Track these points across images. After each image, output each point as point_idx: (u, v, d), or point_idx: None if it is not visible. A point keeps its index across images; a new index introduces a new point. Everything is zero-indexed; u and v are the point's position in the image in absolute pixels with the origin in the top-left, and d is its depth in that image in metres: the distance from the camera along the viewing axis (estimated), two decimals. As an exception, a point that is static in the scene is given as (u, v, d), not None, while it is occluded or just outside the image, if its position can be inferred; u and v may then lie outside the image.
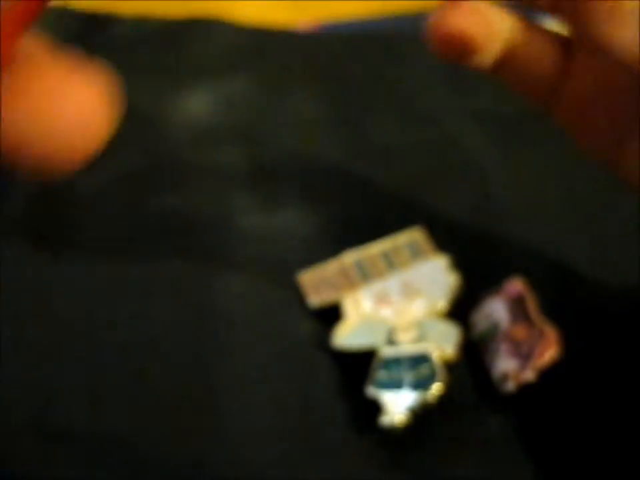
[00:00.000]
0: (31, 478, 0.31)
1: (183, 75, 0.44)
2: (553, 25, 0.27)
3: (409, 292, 0.35)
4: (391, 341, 0.33)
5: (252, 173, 0.40)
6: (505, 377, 0.32)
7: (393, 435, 0.31)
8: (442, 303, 0.34)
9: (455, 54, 0.25)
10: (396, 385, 0.32)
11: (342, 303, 0.35)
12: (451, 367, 0.32)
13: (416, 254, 0.36)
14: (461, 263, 0.35)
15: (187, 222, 0.39)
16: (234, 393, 0.33)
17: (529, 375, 0.31)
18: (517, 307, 0.33)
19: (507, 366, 0.32)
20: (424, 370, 0.32)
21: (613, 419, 0.31)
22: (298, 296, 0.35)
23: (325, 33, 0.47)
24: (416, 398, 0.31)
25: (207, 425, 0.32)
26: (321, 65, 0.45)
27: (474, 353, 0.33)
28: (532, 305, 0.33)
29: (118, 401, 0.33)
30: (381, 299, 0.35)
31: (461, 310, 0.34)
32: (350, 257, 0.36)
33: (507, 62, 0.27)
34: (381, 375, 0.32)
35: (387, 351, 0.33)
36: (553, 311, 0.33)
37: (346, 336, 0.34)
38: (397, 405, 0.31)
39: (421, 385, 0.32)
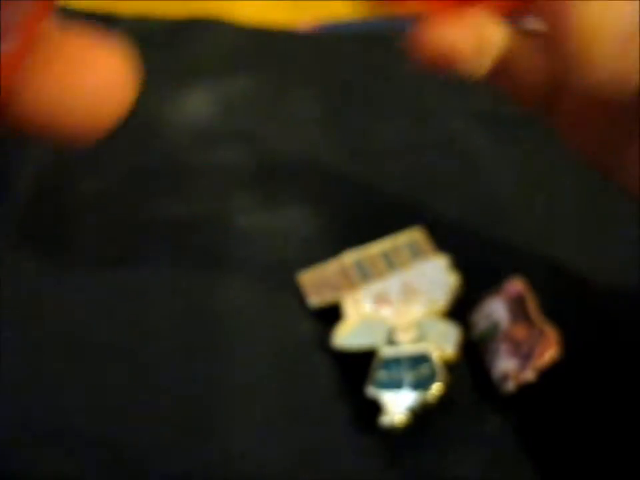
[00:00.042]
0: (30, 478, 0.31)
1: (183, 75, 0.44)
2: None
3: (409, 292, 0.35)
4: (390, 341, 0.33)
5: (252, 172, 0.40)
6: (505, 377, 0.32)
7: (393, 435, 0.31)
8: (442, 303, 0.34)
9: (442, 67, 0.25)
10: (396, 385, 0.32)
11: (342, 303, 0.35)
12: (451, 367, 0.32)
13: (416, 254, 0.36)
14: (460, 263, 0.35)
15: (186, 222, 0.39)
16: (233, 393, 0.33)
17: (529, 375, 0.31)
18: (517, 307, 0.33)
19: (507, 366, 0.32)
20: (424, 370, 0.32)
21: (613, 419, 0.31)
22: (298, 296, 0.35)
23: (324, 33, 0.47)
24: (416, 398, 0.31)
25: (207, 424, 0.32)
26: (320, 64, 0.45)
27: (474, 353, 0.33)
28: (532, 305, 0.33)
29: (118, 401, 0.33)
30: (381, 298, 0.35)
31: (460, 310, 0.34)
32: (350, 257, 0.36)
33: (501, 71, 0.26)
34: (381, 375, 0.32)
35: (387, 351, 0.33)
36: (553, 311, 0.33)
37: (346, 336, 0.34)
38: (397, 404, 0.31)
39: (420, 385, 0.32)
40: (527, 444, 0.31)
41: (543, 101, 0.27)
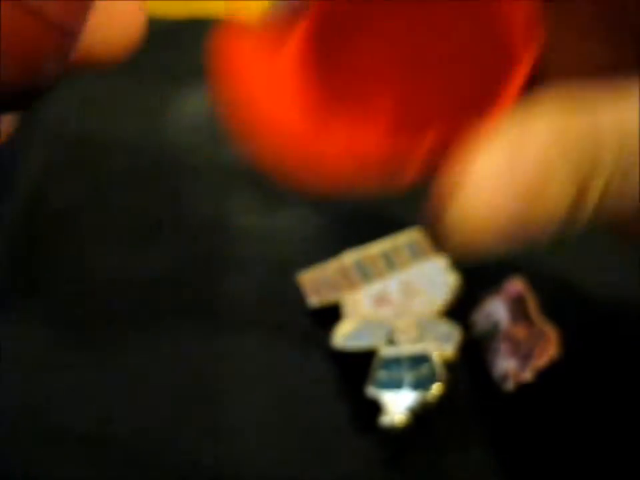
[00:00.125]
0: (30, 478, 0.31)
1: (183, 75, 0.44)
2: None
3: (409, 292, 0.35)
4: (390, 341, 0.33)
5: (252, 172, 0.40)
6: (505, 377, 0.32)
7: (393, 435, 0.31)
8: (442, 303, 0.34)
9: None
10: (396, 385, 0.32)
11: (342, 303, 0.35)
12: (451, 367, 0.32)
13: (416, 254, 0.36)
14: (460, 263, 0.35)
15: (186, 221, 0.39)
16: (233, 393, 0.33)
17: (529, 375, 0.31)
18: (517, 307, 0.33)
19: (506, 366, 0.32)
20: (424, 370, 0.32)
21: (613, 419, 0.31)
22: (298, 296, 0.35)
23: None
24: (416, 398, 0.31)
25: (207, 425, 0.32)
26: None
27: (474, 353, 0.33)
28: (532, 305, 0.33)
29: (118, 401, 0.33)
30: (381, 298, 0.35)
31: (460, 310, 0.34)
32: (350, 257, 0.36)
33: None
34: (381, 374, 0.32)
35: (386, 351, 0.33)
36: (553, 311, 0.33)
37: (346, 336, 0.34)
38: (397, 404, 0.31)
39: (420, 384, 0.32)
40: (527, 444, 0.31)
41: None
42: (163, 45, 0.45)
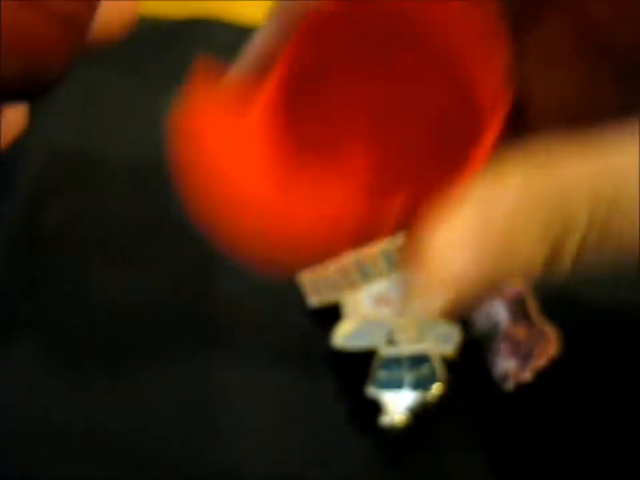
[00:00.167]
0: (30, 478, 0.31)
1: (183, 75, 0.44)
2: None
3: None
4: (390, 341, 0.33)
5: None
6: (505, 377, 0.32)
7: (393, 435, 0.31)
8: (442, 303, 0.34)
9: None
10: (396, 385, 0.32)
11: (342, 303, 0.35)
12: (451, 367, 0.32)
13: (416, 254, 0.36)
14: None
15: (186, 221, 0.39)
16: (234, 392, 0.33)
17: (529, 375, 0.31)
18: (517, 307, 0.33)
19: (506, 366, 0.32)
20: (424, 370, 0.32)
21: (612, 419, 0.31)
22: (298, 296, 0.35)
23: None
24: (416, 398, 0.31)
25: (207, 424, 0.32)
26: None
27: (474, 353, 0.33)
28: (532, 305, 0.33)
29: (118, 400, 0.33)
30: (381, 299, 0.35)
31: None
32: (350, 257, 0.36)
33: None
34: (381, 374, 0.32)
35: (386, 351, 0.33)
36: (553, 311, 0.33)
37: (346, 336, 0.34)
38: (397, 404, 0.31)
39: (420, 384, 0.32)
40: (526, 443, 0.31)
41: None
42: (163, 45, 0.45)
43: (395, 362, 0.32)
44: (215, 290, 0.36)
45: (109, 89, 0.43)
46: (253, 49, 0.22)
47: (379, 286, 0.35)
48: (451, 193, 0.19)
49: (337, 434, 0.32)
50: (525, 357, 0.32)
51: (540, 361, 0.31)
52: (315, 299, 0.35)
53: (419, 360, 0.32)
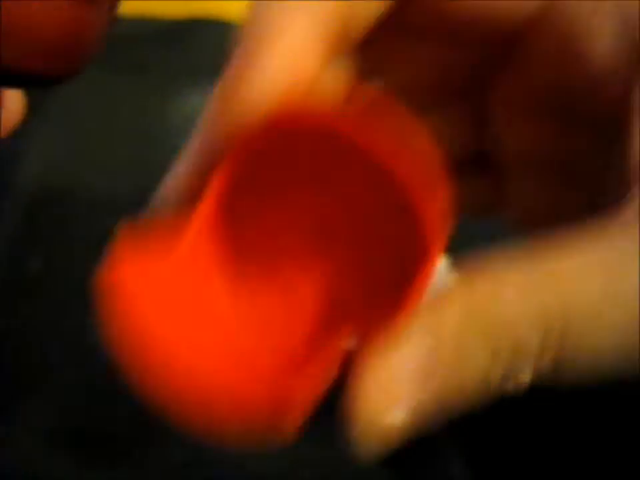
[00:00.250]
0: (30, 478, 0.31)
1: (183, 74, 0.44)
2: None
3: (409, 292, 0.35)
4: (390, 341, 0.33)
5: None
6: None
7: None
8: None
9: None
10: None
11: (342, 302, 0.35)
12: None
13: (416, 254, 0.36)
14: (461, 263, 0.35)
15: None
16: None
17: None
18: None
19: (506, 366, 0.32)
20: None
21: (612, 419, 0.31)
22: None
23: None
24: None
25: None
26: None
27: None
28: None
29: (118, 400, 0.33)
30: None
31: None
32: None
33: None
34: (381, 374, 0.32)
35: (386, 351, 0.33)
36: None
37: (346, 336, 0.34)
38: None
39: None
40: (526, 443, 0.31)
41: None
42: (163, 45, 0.45)
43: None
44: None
45: (109, 89, 0.43)
46: (175, 183, 0.20)
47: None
48: (392, 324, 0.18)
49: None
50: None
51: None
52: (314, 299, 0.35)
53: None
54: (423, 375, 0.18)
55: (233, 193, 0.20)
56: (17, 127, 0.28)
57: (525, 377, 0.18)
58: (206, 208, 0.19)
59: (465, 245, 0.37)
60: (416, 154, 0.18)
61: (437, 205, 0.18)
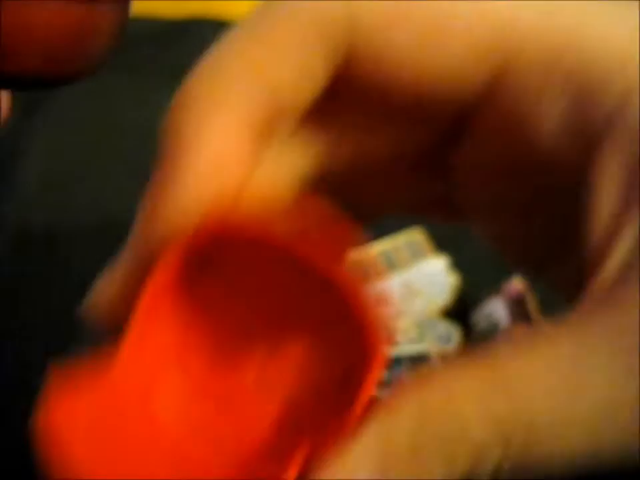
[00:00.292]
0: (30, 478, 0.31)
1: (183, 75, 0.44)
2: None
3: (409, 292, 0.35)
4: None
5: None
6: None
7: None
8: (442, 303, 0.34)
9: None
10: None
11: (342, 302, 0.35)
12: (451, 367, 0.32)
13: (416, 254, 0.36)
14: (460, 263, 0.35)
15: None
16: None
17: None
18: (517, 307, 0.33)
19: (507, 366, 0.32)
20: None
21: None
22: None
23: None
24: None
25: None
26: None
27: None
28: (532, 305, 0.33)
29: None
30: (381, 299, 0.35)
31: (461, 310, 0.34)
32: (350, 258, 0.36)
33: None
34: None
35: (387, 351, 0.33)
36: (553, 311, 0.33)
37: (346, 336, 0.34)
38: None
39: (421, 384, 0.32)
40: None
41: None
42: (163, 45, 0.45)
43: (395, 362, 0.32)
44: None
45: (108, 89, 0.43)
46: (108, 291, 0.20)
47: (379, 286, 0.35)
48: (345, 429, 0.17)
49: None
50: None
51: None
52: (315, 299, 0.35)
53: (419, 360, 0.32)
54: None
55: (171, 298, 0.19)
56: (5, 123, 0.28)
57: (488, 476, 0.17)
58: (141, 317, 0.19)
59: (465, 245, 0.37)
60: (348, 260, 0.19)
61: (376, 310, 0.19)
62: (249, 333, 0.20)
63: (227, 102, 0.19)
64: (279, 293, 0.19)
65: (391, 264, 0.36)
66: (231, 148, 0.19)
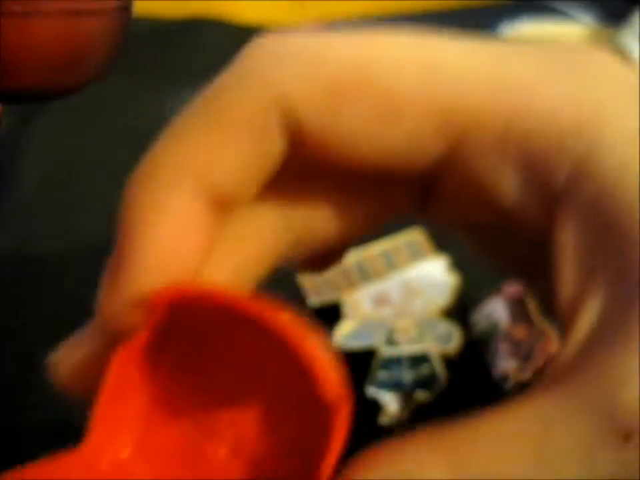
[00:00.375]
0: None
1: (183, 75, 0.44)
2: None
3: (409, 292, 0.35)
4: (390, 341, 0.33)
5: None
6: (505, 377, 0.32)
7: (393, 435, 0.31)
8: (442, 303, 0.34)
9: None
10: (396, 384, 0.32)
11: (342, 303, 0.35)
12: (451, 367, 0.32)
13: (416, 254, 0.36)
14: (460, 263, 0.35)
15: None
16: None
17: (529, 375, 0.31)
18: (517, 307, 0.33)
19: (507, 366, 0.32)
20: (424, 370, 0.32)
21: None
22: (298, 296, 0.35)
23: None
24: (416, 398, 0.31)
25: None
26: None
27: (474, 353, 0.33)
28: (532, 305, 0.33)
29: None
30: (381, 299, 0.35)
31: (461, 310, 0.34)
32: (350, 257, 0.36)
33: None
34: (381, 374, 0.32)
35: (386, 351, 0.33)
36: (553, 311, 0.33)
37: (346, 336, 0.34)
38: (397, 404, 0.31)
39: (421, 384, 0.32)
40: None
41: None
42: (163, 45, 0.45)
43: (394, 362, 0.32)
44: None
45: (108, 89, 0.43)
46: (71, 364, 0.20)
47: (379, 286, 0.35)
48: None
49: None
50: (525, 357, 0.32)
51: (540, 361, 0.31)
52: (315, 299, 0.35)
53: (419, 360, 0.32)
54: None
55: (138, 371, 0.19)
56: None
57: None
58: (109, 391, 0.19)
59: (465, 245, 0.37)
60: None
61: (339, 376, 0.19)
62: (214, 396, 0.20)
63: (181, 182, 0.20)
64: (240, 357, 0.20)
65: (391, 264, 0.36)
66: (189, 225, 0.20)
